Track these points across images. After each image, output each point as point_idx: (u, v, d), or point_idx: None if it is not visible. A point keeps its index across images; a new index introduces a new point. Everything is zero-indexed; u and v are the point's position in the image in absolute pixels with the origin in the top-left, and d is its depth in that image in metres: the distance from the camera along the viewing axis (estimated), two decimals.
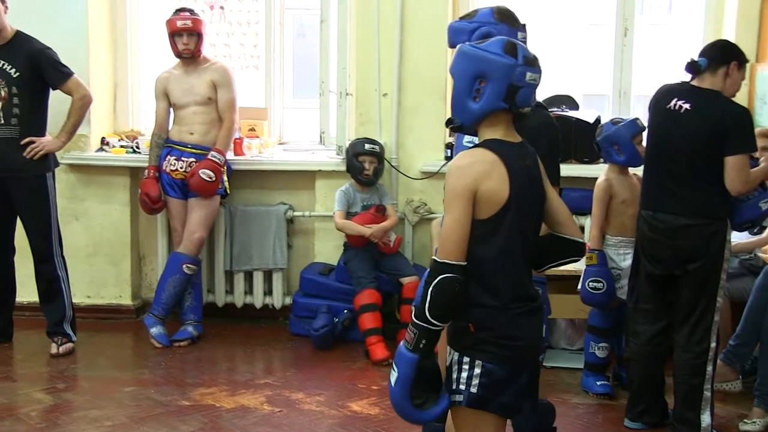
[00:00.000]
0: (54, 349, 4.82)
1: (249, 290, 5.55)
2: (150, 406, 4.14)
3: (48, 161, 4.81)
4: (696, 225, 3.63)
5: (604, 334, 4.37)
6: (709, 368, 3.68)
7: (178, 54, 5.07)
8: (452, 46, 2.92)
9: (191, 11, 5.09)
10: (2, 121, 4.69)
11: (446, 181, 2.40)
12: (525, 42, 2.95)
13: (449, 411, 2.47)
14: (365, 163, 5.08)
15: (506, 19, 2.97)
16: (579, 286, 4.30)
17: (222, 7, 5.69)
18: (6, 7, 4.68)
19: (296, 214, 5.49)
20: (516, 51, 2.39)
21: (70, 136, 4.86)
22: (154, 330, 5.04)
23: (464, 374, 2.38)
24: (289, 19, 5.82)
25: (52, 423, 3.94)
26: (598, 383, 4.36)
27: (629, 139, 4.21)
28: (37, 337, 4.98)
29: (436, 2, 5.26)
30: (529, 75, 2.39)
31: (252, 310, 5.55)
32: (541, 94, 5.68)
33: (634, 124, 4.26)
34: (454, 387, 2.40)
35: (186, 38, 5.01)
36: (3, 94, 4.67)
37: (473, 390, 2.37)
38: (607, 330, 4.37)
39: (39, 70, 4.70)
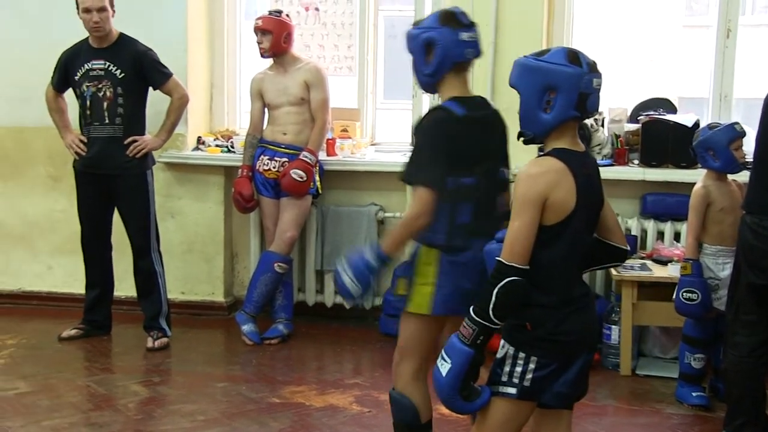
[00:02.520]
0: (150, 343, 4.94)
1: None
2: (241, 402, 4.20)
3: (148, 159, 4.94)
4: None
5: (700, 345, 4.25)
6: None
7: (260, 53, 5.14)
8: (410, 52, 2.99)
9: (273, 12, 5.13)
10: (107, 121, 4.83)
11: (516, 187, 2.47)
12: (474, 41, 3.00)
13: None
14: None
15: (449, 22, 2.96)
16: (674, 296, 4.19)
17: (317, 9, 5.73)
18: (113, 12, 4.82)
19: (387, 215, 5.49)
20: (579, 59, 2.46)
21: (169, 134, 4.99)
22: (246, 327, 5.12)
23: (518, 368, 2.49)
24: (380, 20, 5.84)
25: (147, 415, 4.04)
26: (694, 394, 4.24)
27: (725, 144, 4.07)
28: (133, 331, 5.12)
29: (532, 4, 5.20)
30: (595, 81, 2.47)
31: (342, 310, 5.58)
32: (637, 98, 5.59)
33: (732, 129, 4.12)
34: (505, 380, 2.51)
35: (260, 37, 5.05)
36: (108, 94, 4.81)
37: (526, 384, 2.49)
38: (703, 341, 4.25)
39: (142, 71, 4.83)
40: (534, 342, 2.48)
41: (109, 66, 4.80)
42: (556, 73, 2.44)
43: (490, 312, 2.38)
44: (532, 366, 2.48)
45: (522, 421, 2.59)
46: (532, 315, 2.47)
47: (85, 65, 4.84)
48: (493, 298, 2.38)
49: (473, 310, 2.43)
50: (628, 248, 2.72)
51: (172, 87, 4.91)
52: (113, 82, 4.80)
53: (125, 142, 4.83)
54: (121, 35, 4.88)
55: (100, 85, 4.81)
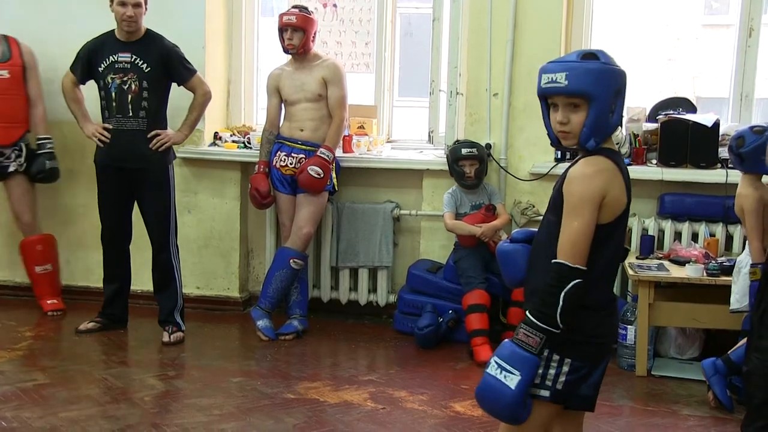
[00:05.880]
0: (165, 338, 4.96)
1: (354, 287, 5.59)
2: (256, 397, 4.21)
3: (170, 153, 4.98)
4: None
5: None
6: None
7: (284, 49, 5.14)
8: None
9: (302, 8, 5.14)
10: (131, 114, 4.84)
11: (570, 187, 2.40)
12: None
13: None
14: (465, 167, 5.04)
15: None
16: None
17: (335, 5, 5.73)
18: (146, 9, 4.86)
19: (403, 212, 5.50)
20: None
21: (191, 129, 5.04)
22: (261, 323, 5.13)
23: (552, 371, 2.45)
24: (397, 17, 5.84)
25: (164, 409, 4.06)
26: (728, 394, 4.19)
27: None
28: (150, 325, 5.14)
29: (551, 3, 5.18)
30: None
31: (356, 306, 5.59)
32: (655, 97, 5.56)
33: None
34: (538, 382, 2.45)
35: (290, 33, 5.05)
36: (134, 87, 4.83)
37: (559, 387, 2.45)
38: None
39: (168, 66, 4.87)
40: (570, 344, 2.43)
41: (135, 59, 4.83)
42: (622, 75, 2.42)
43: (558, 317, 2.33)
44: (565, 369, 2.44)
45: (549, 422, 2.56)
46: (575, 317, 2.40)
47: (111, 57, 4.86)
48: (561, 303, 2.32)
49: (536, 317, 2.36)
50: (629, 248, 2.70)
51: (196, 84, 4.96)
52: (139, 76, 4.82)
53: (148, 136, 4.86)
54: (148, 31, 4.90)
55: (125, 78, 4.82)
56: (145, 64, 4.82)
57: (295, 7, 5.16)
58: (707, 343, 4.86)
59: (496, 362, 2.39)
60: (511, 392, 2.35)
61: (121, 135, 4.89)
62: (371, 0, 5.68)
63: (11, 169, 5.33)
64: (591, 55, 2.42)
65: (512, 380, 2.35)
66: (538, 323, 2.35)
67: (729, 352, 4.25)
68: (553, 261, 2.37)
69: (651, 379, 4.61)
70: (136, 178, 4.91)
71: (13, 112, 5.30)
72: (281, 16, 5.10)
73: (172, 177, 5.00)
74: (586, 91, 2.37)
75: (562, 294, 2.32)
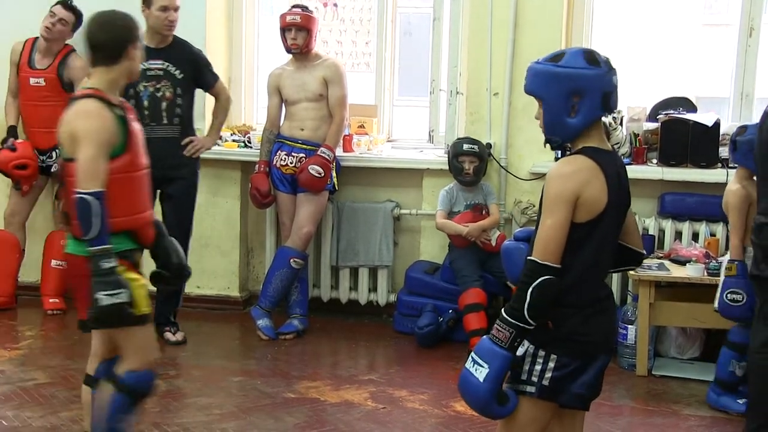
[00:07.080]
0: (171, 338, 4.95)
1: (354, 286, 5.59)
2: (257, 396, 4.21)
3: (199, 158, 5.00)
4: None
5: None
6: None
7: (287, 49, 5.13)
8: None
9: (304, 7, 5.13)
10: (165, 121, 4.82)
11: (547, 186, 2.45)
12: None
13: None
14: (465, 164, 5.04)
15: None
16: (716, 299, 4.13)
17: (335, 5, 5.73)
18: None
19: (403, 211, 5.49)
20: (597, 59, 2.45)
21: (218, 134, 5.12)
22: (261, 322, 5.13)
23: (538, 367, 2.48)
24: (397, 16, 5.84)
25: (164, 408, 4.05)
26: (740, 401, 4.10)
27: None
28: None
29: (551, 2, 5.18)
30: (614, 79, 2.47)
31: (356, 306, 5.59)
32: (656, 96, 5.56)
33: None
34: (524, 378, 2.49)
35: (294, 33, 5.04)
36: (168, 94, 4.81)
37: (545, 383, 2.47)
38: None
39: (197, 72, 4.88)
40: (555, 341, 2.46)
41: (167, 66, 4.80)
42: (579, 77, 2.42)
43: (525, 312, 2.35)
44: (551, 365, 2.46)
45: (545, 421, 2.56)
46: (555, 314, 2.45)
47: (142, 64, 4.82)
48: (528, 298, 2.35)
49: (506, 312, 2.40)
50: (645, 252, 2.70)
51: (220, 88, 5.01)
52: (173, 83, 4.80)
53: (183, 143, 4.86)
54: (175, 36, 4.88)
55: (158, 85, 4.79)
56: (178, 71, 4.81)
57: (296, 6, 5.15)
58: (707, 343, 4.86)
59: (471, 356, 2.45)
60: (480, 384, 2.40)
61: (154, 143, 4.80)
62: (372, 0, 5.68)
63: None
64: (559, 56, 2.47)
65: (481, 373, 2.40)
66: (508, 318, 2.39)
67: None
68: (527, 258, 2.42)
69: (651, 378, 4.61)
70: (166, 183, 4.82)
71: (51, 117, 5.26)
72: (284, 15, 5.09)
73: (198, 182, 5.01)
74: (535, 92, 2.50)
75: (530, 290, 2.35)
